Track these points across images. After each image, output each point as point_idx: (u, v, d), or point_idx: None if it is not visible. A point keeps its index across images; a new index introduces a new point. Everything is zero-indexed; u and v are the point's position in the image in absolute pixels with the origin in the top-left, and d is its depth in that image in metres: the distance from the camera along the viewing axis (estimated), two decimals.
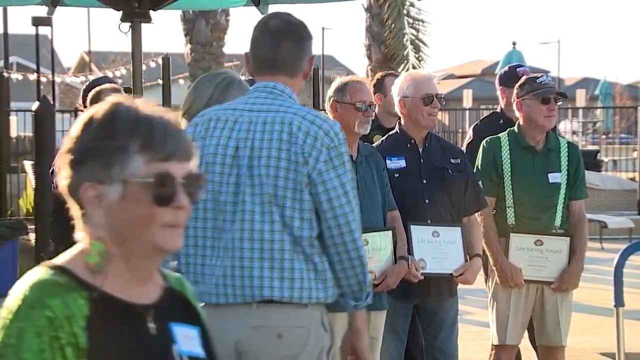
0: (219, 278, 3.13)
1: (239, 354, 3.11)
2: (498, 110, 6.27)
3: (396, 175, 4.98)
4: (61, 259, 1.89)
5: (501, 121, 5.91)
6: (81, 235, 1.90)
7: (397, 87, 5.12)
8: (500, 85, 6.13)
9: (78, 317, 1.81)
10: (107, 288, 1.86)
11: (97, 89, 5.27)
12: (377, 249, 4.74)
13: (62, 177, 1.87)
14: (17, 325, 1.78)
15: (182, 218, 1.88)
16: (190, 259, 3.16)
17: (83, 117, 1.92)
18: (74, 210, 1.89)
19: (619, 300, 5.42)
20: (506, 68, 6.30)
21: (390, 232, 4.77)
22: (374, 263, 4.72)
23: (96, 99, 5.43)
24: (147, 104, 1.91)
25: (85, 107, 5.76)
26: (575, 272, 5.25)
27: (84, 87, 5.92)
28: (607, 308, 5.96)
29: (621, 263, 5.43)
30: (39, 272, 1.86)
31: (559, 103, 5.36)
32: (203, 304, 2.99)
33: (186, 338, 1.92)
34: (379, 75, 6.07)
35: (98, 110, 1.90)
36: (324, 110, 5.04)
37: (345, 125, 4.72)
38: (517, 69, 6.09)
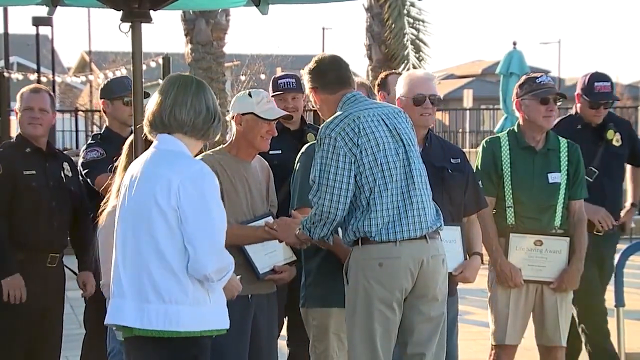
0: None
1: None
2: (573, 113, 6.24)
3: None
4: None
5: (579, 126, 5.92)
6: None
7: (397, 88, 5.14)
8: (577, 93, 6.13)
9: None
10: None
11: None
12: None
13: None
14: None
15: None
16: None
17: None
18: None
19: (619, 300, 5.42)
20: (587, 77, 6.12)
21: None
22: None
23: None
24: None
25: (105, 108, 5.77)
26: (574, 272, 5.25)
27: (102, 85, 5.94)
28: (608, 308, 5.96)
29: (622, 263, 5.43)
30: None
31: (558, 103, 5.36)
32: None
33: None
34: (383, 74, 6.07)
35: None
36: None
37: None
38: (595, 83, 6.07)
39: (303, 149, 4.91)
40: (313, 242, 4.56)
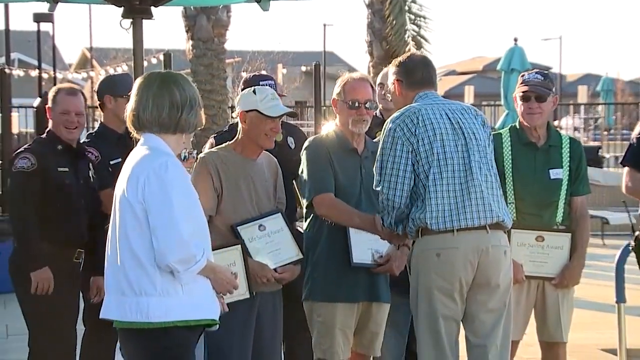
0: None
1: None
2: None
3: None
4: None
5: None
6: None
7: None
8: None
9: None
10: None
11: None
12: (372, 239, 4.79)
13: None
14: None
15: None
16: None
17: None
18: None
19: (620, 297, 5.43)
20: None
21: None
22: (379, 245, 4.78)
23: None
24: None
25: (101, 103, 5.75)
26: (576, 268, 5.25)
27: (103, 80, 5.92)
28: (609, 304, 5.97)
29: (623, 259, 5.44)
30: None
31: (548, 100, 5.32)
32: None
33: None
34: (385, 70, 6.06)
35: None
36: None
37: (343, 123, 4.83)
38: None
39: (307, 144, 4.91)
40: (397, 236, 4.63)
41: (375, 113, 5.81)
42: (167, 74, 3.94)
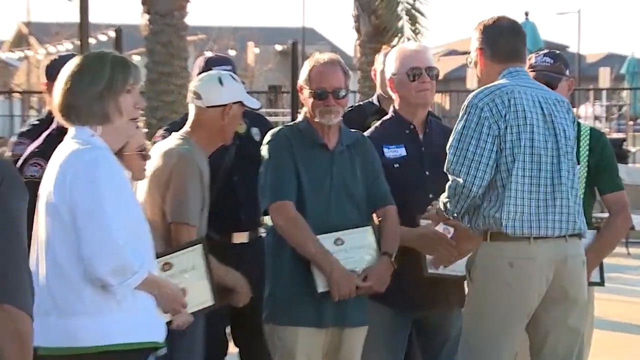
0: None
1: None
2: None
3: (396, 165, 5.02)
4: None
5: None
6: None
7: (387, 66, 5.17)
8: None
9: None
10: None
11: None
12: (358, 247, 4.78)
13: None
14: None
15: None
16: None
17: None
18: None
19: None
20: None
21: (369, 228, 4.81)
22: (355, 263, 4.75)
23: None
24: None
25: (48, 87, 5.68)
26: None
27: (48, 63, 5.85)
28: (635, 325, 6.00)
29: None
30: None
31: (558, 86, 5.32)
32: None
33: None
34: (385, 52, 6.04)
35: None
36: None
37: (310, 113, 4.82)
38: None
39: (268, 137, 4.89)
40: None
41: (372, 100, 5.82)
42: (100, 54, 3.89)
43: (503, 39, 4.70)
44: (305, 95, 4.85)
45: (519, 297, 4.48)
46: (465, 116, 4.54)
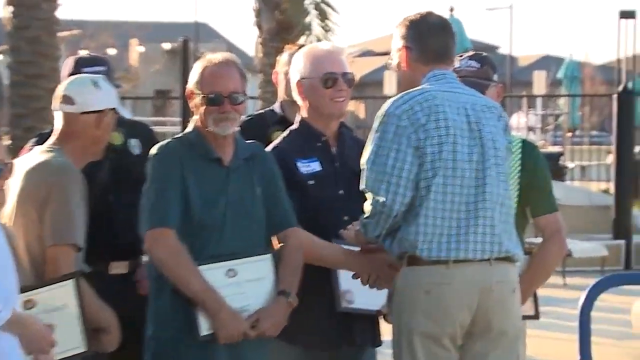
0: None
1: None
2: None
3: (310, 182, 5.03)
4: None
5: None
6: None
7: (293, 68, 5.17)
8: None
9: None
10: None
11: None
12: (253, 279, 4.77)
13: None
14: None
15: None
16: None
17: None
18: None
19: (585, 354, 5.52)
20: None
21: (268, 257, 4.80)
22: (247, 300, 4.74)
23: None
24: None
25: None
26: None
27: None
28: None
29: (588, 304, 5.53)
30: None
31: (484, 93, 5.37)
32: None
33: None
34: (292, 51, 6.01)
35: None
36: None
37: (202, 121, 4.79)
38: None
39: (153, 151, 4.86)
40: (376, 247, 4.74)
41: (273, 108, 5.82)
42: None
43: (432, 37, 4.73)
44: (197, 101, 4.83)
45: (435, 326, 4.51)
46: (382, 127, 4.57)
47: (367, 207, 4.60)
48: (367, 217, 4.61)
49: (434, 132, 4.54)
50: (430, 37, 4.72)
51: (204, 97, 4.80)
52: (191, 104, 4.90)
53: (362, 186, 4.59)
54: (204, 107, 4.80)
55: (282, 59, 5.77)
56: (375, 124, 4.61)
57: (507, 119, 4.78)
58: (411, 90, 4.64)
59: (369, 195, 4.58)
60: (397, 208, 4.52)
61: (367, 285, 4.91)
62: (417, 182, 4.53)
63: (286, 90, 5.60)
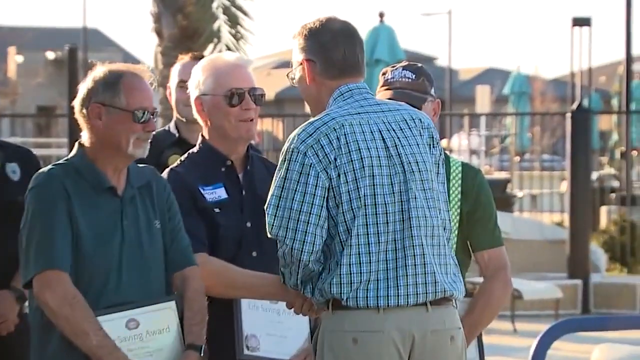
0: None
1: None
2: None
3: (216, 210, 5.06)
4: None
5: None
6: None
7: (191, 82, 5.17)
8: None
9: None
10: None
11: None
12: (157, 330, 4.78)
13: None
14: None
15: None
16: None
17: None
18: None
19: None
20: None
21: (171, 304, 4.80)
22: (152, 356, 4.75)
23: None
24: None
25: None
26: None
27: None
28: None
29: (541, 354, 5.58)
30: None
31: (421, 109, 5.42)
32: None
33: None
34: (185, 60, 6.00)
35: None
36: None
37: (115, 143, 4.73)
38: None
39: (34, 181, 4.80)
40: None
41: (168, 127, 5.81)
42: None
43: (337, 48, 4.74)
44: (115, 119, 4.73)
45: None
46: (286, 164, 4.59)
47: (279, 254, 4.63)
48: (282, 266, 4.66)
49: (347, 167, 4.58)
50: (335, 48, 4.73)
51: (126, 112, 4.73)
52: (89, 122, 4.78)
53: (268, 231, 4.61)
54: (126, 125, 4.73)
55: (174, 70, 5.78)
56: (280, 160, 4.63)
57: (432, 129, 4.76)
58: (315, 119, 4.66)
59: (277, 241, 4.61)
60: (305, 258, 4.56)
61: (279, 330, 4.95)
62: (337, 226, 4.56)
63: (177, 107, 5.58)
